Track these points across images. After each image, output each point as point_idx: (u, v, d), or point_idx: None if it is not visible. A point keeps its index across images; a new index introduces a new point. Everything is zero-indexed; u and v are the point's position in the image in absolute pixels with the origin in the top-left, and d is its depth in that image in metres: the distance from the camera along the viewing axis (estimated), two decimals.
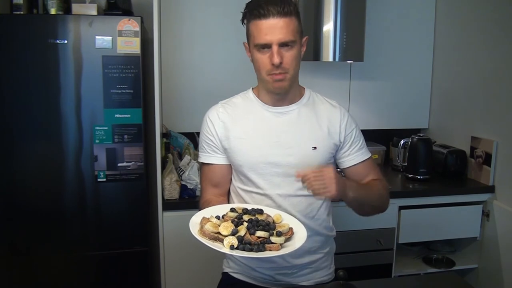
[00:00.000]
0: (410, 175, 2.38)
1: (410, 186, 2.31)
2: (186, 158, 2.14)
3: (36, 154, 1.84)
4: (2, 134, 1.81)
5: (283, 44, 1.24)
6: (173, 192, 1.99)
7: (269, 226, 1.16)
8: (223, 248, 1.08)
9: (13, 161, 1.83)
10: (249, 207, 1.27)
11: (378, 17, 2.53)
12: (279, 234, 1.13)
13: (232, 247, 1.08)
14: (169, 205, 1.98)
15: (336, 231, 1.49)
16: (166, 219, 1.98)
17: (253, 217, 1.19)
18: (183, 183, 2.04)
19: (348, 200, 1.27)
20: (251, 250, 1.08)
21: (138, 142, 1.89)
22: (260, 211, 1.24)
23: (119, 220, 1.94)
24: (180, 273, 2.04)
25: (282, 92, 1.32)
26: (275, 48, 1.23)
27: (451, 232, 2.29)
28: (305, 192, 1.33)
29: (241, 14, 1.31)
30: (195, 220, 1.19)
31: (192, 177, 2.03)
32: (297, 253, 1.35)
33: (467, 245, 2.41)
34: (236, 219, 1.18)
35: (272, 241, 1.11)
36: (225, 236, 1.10)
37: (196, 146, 2.27)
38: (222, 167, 1.41)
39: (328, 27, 2.20)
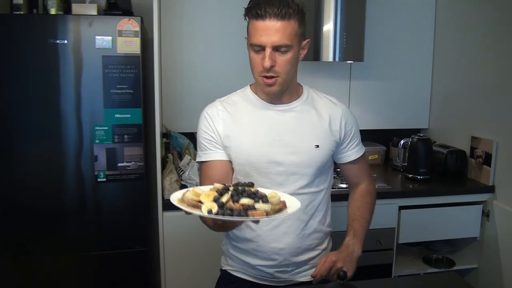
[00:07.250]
0: (410, 175, 2.38)
1: (410, 186, 2.31)
2: (186, 158, 2.14)
3: (36, 154, 1.84)
4: (2, 134, 1.81)
5: (277, 48, 1.21)
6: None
7: (255, 194, 1.02)
8: (201, 212, 0.97)
9: (13, 161, 1.83)
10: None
11: (378, 17, 2.52)
12: (265, 200, 1.00)
13: (210, 212, 0.96)
14: (169, 205, 1.95)
15: (335, 230, 1.50)
16: (166, 219, 1.98)
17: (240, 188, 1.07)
18: (183, 183, 2.04)
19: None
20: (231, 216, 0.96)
21: (138, 142, 1.90)
22: (251, 184, 1.11)
23: (119, 220, 1.95)
24: (180, 273, 2.04)
25: (273, 95, 1.32)
26: (268, 51, 1.20)
27: (451, 232, 2.29)
28: (307, 190, 1.36)
29: (242, 11, 1.29)
30: (178, 194, 1.10)
31: (192, 177, 2.03)
32: (297, 251, 1.36)
33: (467, 245, 2.40)
34: (221, 190, 1.04)
35: (256, 207, 0.98)
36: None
37: (196, 146, 2.26)
38: (224, 163, 1.36)
39: (328, 27, 2.20)
